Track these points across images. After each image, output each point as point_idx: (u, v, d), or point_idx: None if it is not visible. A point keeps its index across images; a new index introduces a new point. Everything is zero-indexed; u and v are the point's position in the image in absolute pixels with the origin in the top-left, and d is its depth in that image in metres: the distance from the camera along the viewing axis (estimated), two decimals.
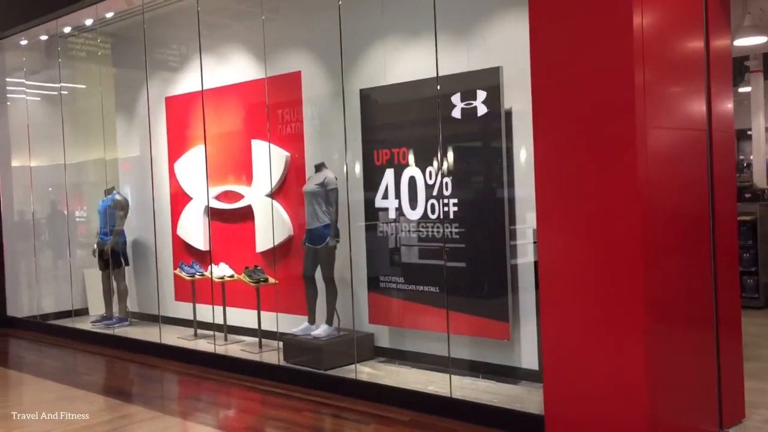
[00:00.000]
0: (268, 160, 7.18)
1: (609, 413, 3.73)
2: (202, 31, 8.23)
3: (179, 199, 8.49)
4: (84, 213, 9.83)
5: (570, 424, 3.91)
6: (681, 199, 3.98)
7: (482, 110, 5.55)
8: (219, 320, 7.71)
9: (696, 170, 4.13)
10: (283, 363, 6.46)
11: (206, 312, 7.94)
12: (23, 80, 9.74)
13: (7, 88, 9.82)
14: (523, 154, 5.51)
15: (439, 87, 5.59)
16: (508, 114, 5.54)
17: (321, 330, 6.46)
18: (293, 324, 6.79)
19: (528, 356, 5.57)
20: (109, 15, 8.33)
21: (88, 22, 8.57)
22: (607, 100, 3.71)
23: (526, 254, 5.58)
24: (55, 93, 9.66)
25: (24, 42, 9.46)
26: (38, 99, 9.92)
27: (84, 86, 9.73)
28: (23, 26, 8.99)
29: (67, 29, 8.91)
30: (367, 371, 6.10)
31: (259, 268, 7.27)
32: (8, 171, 9.82)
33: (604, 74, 3.72)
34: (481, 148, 5.74)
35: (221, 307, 7.63)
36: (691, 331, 4.00)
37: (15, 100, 9.84)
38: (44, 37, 9.30)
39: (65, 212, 9.73)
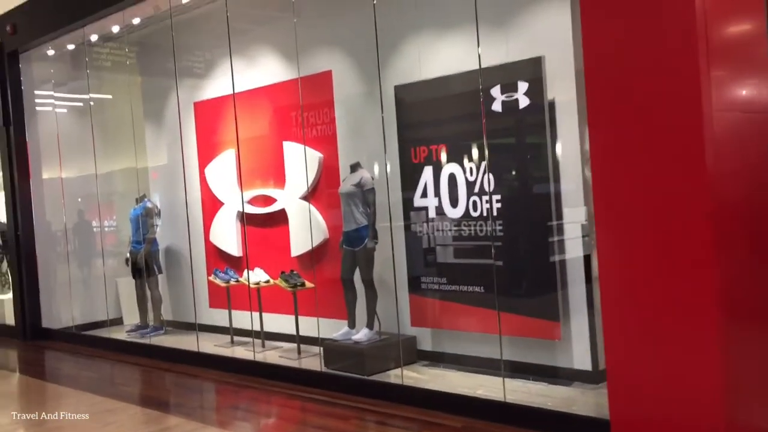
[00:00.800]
0: (304, 161, 7.02)
1: (682, 416, 3.51)
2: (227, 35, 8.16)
3: (211, 204, 8.38)
4: (114, 222, 9.76)
5: (639, 428, 3.70)
6: (748, 188, 3.76)
7: (524, 102, 5.35)
8: (256, 326, 7.59)
9: (759, 155, 3.90)
10: (324, 369, 6.30)
11: (241, 318, 7.83)
12: (52, 92, 9.69)
13: (36, 100, 9.76)
14: (568, 146, 5.30)
15: (480, 80, 5.40)
16: (551, 105, 5.34)
17: (362, 334, 6.30)
18: (332, 329, 6.63)
19: (580, 356, 5.36)
20: (136, 21, 8.23)
21: (115, 29, 8.49)
22: (668, 85, 3.50)
23: (573, 250, 5.37)
24: (81, 104, 9.64)
25: (51, 52, 9.42)
26: (66, 110, 9.88)
27: (111, 96, 9.67)
28: (50, 35, 8.95)
29: (94, 37, 8.84)
30: (412, 376, 5.92)
31: (295, 272, 7.12)
32: (39, 183, 9.77)
33: (665, 59, 3.51)
34: (523, 142, 5.54)
35: (257, 313, 7.50)
36: (766, 328, 3.77)
37: (43, 112, 9.80)
38: (71, 47, 9.25)
39: (94, 222, 9.69)
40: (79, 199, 9.79)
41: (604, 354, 3.89)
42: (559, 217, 5.36)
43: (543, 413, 4.68)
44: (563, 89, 5.28)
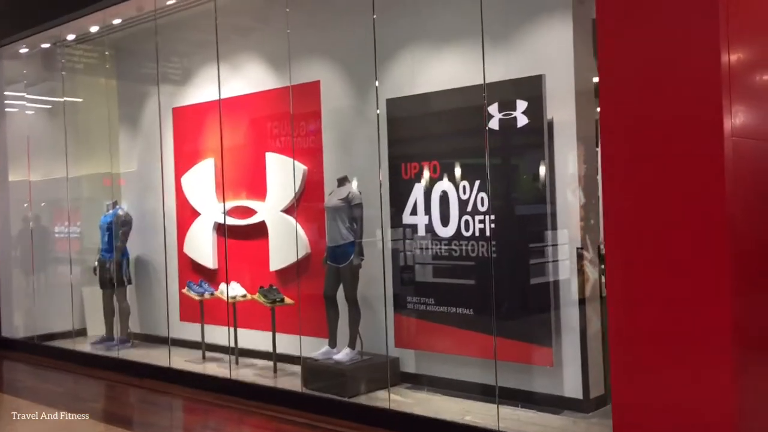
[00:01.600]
0: (291, 173, 6.78)
1: None
2: (212, 40, 7.93)
3: (186, 214, 8.09)
4: (77, 229, 9.36)
5: None
6: (761, 216, 3.66)
7: (522, 121, 5.23)
8: (229, 342, 7.32)
9: None
10: (303, 390, 6.06)
11: (213, 333, 7.55)
12: (24, 94, 9.31)
13: (6, 102, 9.38)
14: (565, 166, 5.18)
15: (478, 95, 5.27)
16: (549, 125, 5.22)
17: (343, 354, 6.08)
18: (310, 347, 6.40)
19: (571, 383, 5.21)
20: (117, 22, 7.96)
21: (94, 29, 8.21)
22: (688, 110, 3.39)
23: (566, 272, 5.24)
24: (50, 106, 9.31)
25: (24, 50, 9.07)
26: (35, 111, 9.51)
27: (84, 99, 9.33)
28: (24, 33, 8.61)
29: (71, 37, 8.53)
30: (396, 399, 5.71)
31: (274, 287, 6.88)
32: (5, 185, 9.37)
33: (686, 82, 3.40)
34: (520, 161, 5.41)
35: (232, 328, 7.23)
36: None
37: (12, 113, 9.43)
38: (46, 46, 8.93)
39: (58, 227, 9.32)
40: (42, 204, 9.40)
41: (611, 382, 3.73)
42: (554, 238, 5.23)
43: None
44: (561, 109, 5.17)
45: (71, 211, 9.11)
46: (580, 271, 5.14)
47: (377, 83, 5.91)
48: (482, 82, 5.23)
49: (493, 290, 5.22)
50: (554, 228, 5.23)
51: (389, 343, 6.04)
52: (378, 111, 5.92)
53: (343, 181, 6.23)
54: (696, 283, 3.37)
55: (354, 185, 6.19)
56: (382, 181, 6.13)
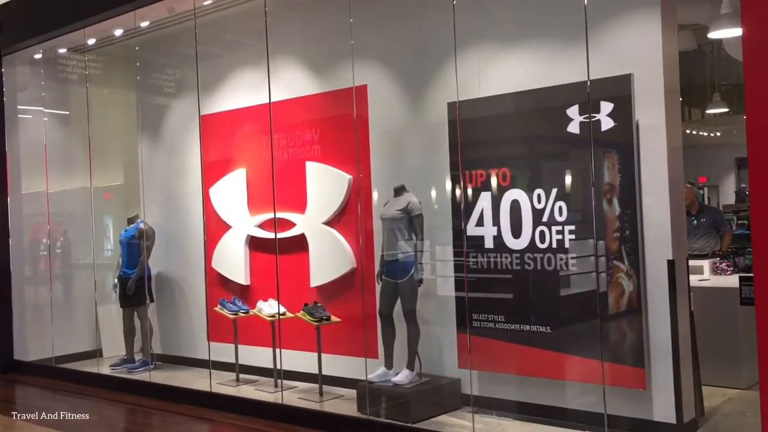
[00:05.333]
0: (333, 184, 6.39)
1: None
2: (247, 43, 7.56)
3: (215, 228, 7.65)
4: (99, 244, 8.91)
5: None
6: None
7: (607, 124, 4.87)
8: (265, 363, 6.89)
9: None
10: (358, 414, 5.63)
11: (244, 354, 7.11)
12: (41, 108, 8.81)
13: (18, 106, 8.89)
14: (653, 172, 4.83)
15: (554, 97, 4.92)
16: (636, 128, 4.87)
17: (403, 376, 5.66)
18: (349, 368, 5.98)
19: (662, 406, 4.83)
20: (144, 24, 7.55)
21: (118, 32, 7.79)
22: None
23: (657, 286, 4.86)
24: (68, 112, 8.87)
25: (38, 56, 8.60)
26: (48, 119, 9.01)
27: (101, 105, 8.87)
28: (38, 38, 8.17)
29: (91, 41, 8.10)
30: (462, 424, 5.30)
31: (319, 305, 6.45)
32: (19, 197, 8.83)
33: None
34: (602, 168, 5.04)
35: (268, 349, 6.80)
36: None
37: (25, 120, 8.93)
38: (62, 51, 8.50)
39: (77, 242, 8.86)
40: (61, 217, 8.91)
41: (760, 401, 3.34)
42: (640, 251, 4.87)
43: None
44: (649, 111, 4.83)
45: (96, 225, 8.61)
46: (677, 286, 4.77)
47: (457, 83, 5.46)
48: (560, 83, 4.92)
49: (601, 308, 4.83)
50: (643, 239, 4.86)
51: (442, 364, 5.66)
52: (458, 115, 5.54)
53: (400, 191, 5.83)
54: None
55: (414, 195, 5.80)
56: (436, 190, 5.78)
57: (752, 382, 5.62)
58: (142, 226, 7.96)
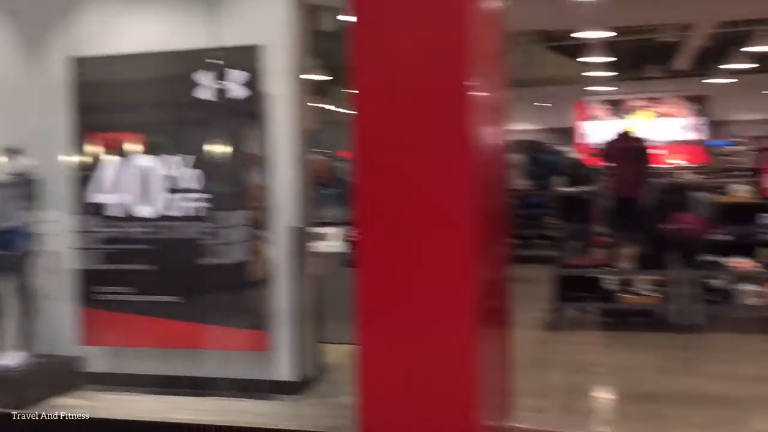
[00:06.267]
0: None
1: (439, 419, 3.45)
2: None
3: None
4: None
5: None
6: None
7: (240, 93, 4.91)
8: None
9: None
10: None
11: None
12: None
13: None
14: (283, 144, 5.01)
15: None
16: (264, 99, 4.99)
17: (12, 357, 5.11)
18: None
19: (284, 366, 5.07)
20: None
21: None
22: None
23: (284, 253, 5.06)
24: None
25: None
26: None
27: None
28: None
29: None
30: (81, 405, 4.97)
31: None
32: None
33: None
34: (234, 135, 5.04)
35: None
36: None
37: None
38: None
39: None
40: None
41: (358, 362, 3.63)
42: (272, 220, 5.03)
43: None
44: (279, 84, 4.98)
45: None
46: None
47: None
48: (192, 48, 4.83)
49: (211, 271, 4.85)
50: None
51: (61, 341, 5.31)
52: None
53: (13, 153, 5.21)
54: (443, 257, 3.43)
55: (29, 158, 5.22)
56: (57, 154, 5.30)
57: None
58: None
